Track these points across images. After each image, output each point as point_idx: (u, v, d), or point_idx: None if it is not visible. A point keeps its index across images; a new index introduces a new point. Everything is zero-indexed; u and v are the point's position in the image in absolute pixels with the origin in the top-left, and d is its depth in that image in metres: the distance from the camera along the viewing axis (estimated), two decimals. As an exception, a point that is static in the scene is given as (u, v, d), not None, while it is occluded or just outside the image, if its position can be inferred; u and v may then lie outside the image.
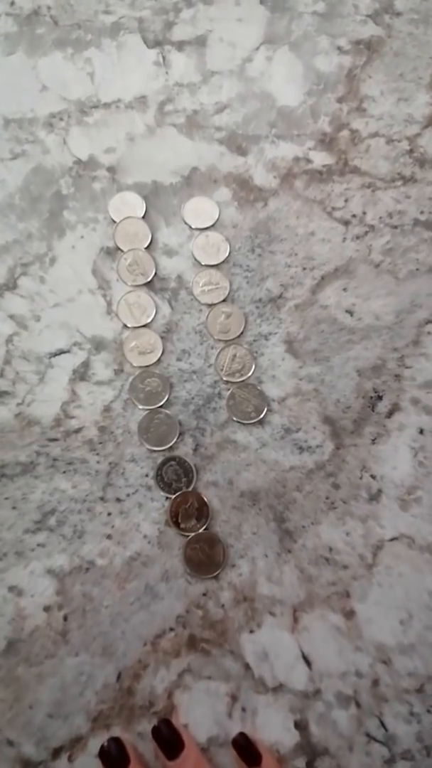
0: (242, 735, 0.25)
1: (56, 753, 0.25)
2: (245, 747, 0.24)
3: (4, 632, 0.26)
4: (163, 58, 0.35)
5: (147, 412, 0.29)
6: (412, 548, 0.27)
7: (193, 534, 0.28)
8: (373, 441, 0.29)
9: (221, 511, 0.28)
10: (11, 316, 0.30)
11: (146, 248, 0.31)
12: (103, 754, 0.24)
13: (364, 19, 0.35)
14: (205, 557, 0.27)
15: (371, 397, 0.29)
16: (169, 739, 0.24)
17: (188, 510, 0.28)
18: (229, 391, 0.30)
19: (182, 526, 0.28)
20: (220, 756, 0.25)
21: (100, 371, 0.30)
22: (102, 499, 0.28)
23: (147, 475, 0.28)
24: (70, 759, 0.25)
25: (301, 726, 0.25)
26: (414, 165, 0.33)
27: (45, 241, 0.31)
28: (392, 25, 0.35)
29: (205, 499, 0.28)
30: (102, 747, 0.24)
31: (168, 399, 0.29)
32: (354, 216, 0.32)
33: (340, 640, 0.26)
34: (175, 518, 0.28)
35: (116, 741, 0.25)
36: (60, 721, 0.25)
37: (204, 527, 0.28)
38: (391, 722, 0.25)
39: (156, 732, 0.25)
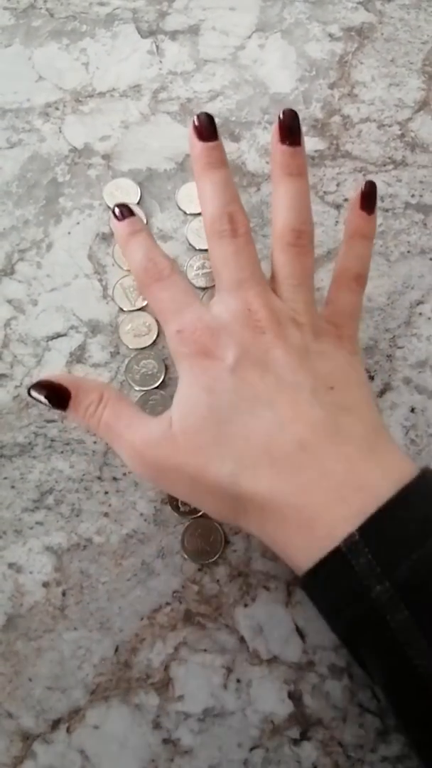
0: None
1: (55, 725, 0.26)
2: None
3: (3, 608, 0.27)
4: (157, 47, 0.35)
5: (143, 393, 0.30)
6: (404, 524, 0.28)
7: (192, 518, 0.28)
8: (366, 419, 0.29)
9: (216, 489, 0.29)
10: (9, 301, 0.31)
11: (141, 233, 0.32)
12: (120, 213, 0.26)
13: (355, 6, 0.36)
14: (205, 544, 0.28)
15: (363, 377, 0.30)
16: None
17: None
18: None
19: (182, 509, 0.28)
20: (216, 726, 0.25)
21: (96, 354, 0.30)
22: (99, 478, 0.29)
23: (143, 455, 0.29)
24: (68, 730, 0.25)
25: (294, 697, 0.26)
26: (405, 149, 0.33)
27: (41, 228, 0.32)
28: (384, 11, 0.36)
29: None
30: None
31: (163, 380, 0.30)
32: (346, 200, 0.32)
33: (333, 614, 0.27)
34: (175, 501, 0.28)
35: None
36: (58, 694, 0.26)
37: (202, 512, 0.28)
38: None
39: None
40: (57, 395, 0.24)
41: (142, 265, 0.25)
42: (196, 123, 0.25)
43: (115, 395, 0.25)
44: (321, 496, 0.21)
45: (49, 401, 0.24)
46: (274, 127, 0.25)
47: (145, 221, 0.32)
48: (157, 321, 0.31)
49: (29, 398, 0.25)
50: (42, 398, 0.24)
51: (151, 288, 0.25)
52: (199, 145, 0.25)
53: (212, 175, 0.25)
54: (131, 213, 0.26)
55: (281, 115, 0.25)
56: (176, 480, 0.23)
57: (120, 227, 0.26)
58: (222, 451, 0.22)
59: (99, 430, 0.24)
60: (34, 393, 0.24)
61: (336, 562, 0.20)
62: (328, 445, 0.22)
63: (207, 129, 0.25)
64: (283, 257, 0.25)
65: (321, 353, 0.24)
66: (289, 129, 0.25)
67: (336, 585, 0.21)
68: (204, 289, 0.31)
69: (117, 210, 0.26)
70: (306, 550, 0.21)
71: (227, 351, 0.23)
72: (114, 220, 0.26)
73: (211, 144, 0.25)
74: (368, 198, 0.26)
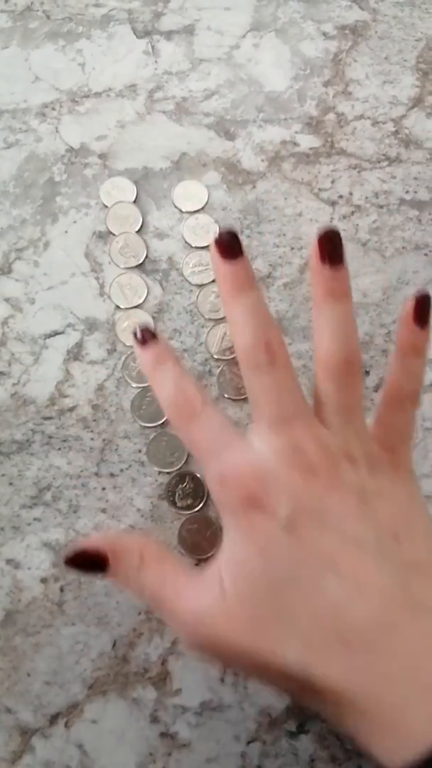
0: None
1: (53, 719, 0.26)
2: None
3: (2, 604, 0.27)
4: (153, 47, 0.35)
5: (139, 390, 0.30)
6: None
7: (188, 514, 0.28)
8: (361, 414, 0.29)
9: (213, 485, 0.29)
10: (6, 300, 0.31)
11: (137, 231, 0.32)
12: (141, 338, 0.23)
13: (349, 4, 0.36)
14: (201, 539, 0.28)
15: (359, 372, 0.30)
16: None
17: (185, 489, 0.29)
18: (220, 369, 0.30)
19: (179, 504, 0.29)
20: (213, 720, 0.26)
21: (93, 351, 0.30)
22: (96, 474, 0.29)
23: (140, 451, 0.29)
24: (66, 725, 0.26)
25: (291, 691, 0.26)
26: (399, 146, 0.33)
27: (39, 227, 0.32)
28: (377, 9, 0.36)
29: (200, 477, 0.29)
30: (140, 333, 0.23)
31: (160, 377, 0.30)
32: (341, 196, 0.33)
33: (329, 608, 0.27)
34: (172, 497, 0.29)
35: None
36: (57, 689, 0.26)
37: (200, 507, 0.28)
38: (380, 687, 0.26)
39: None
40: (92, 562, 0.21)
41: (172, 400, 0.22)
42: (218, 240, 0.23)
43: (156, 553, 0.22)
44: (403, 686, 0.18)
45: (85, 570, 0.22)
46: (314, 246, 0.23)
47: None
48: (153, 318, 0.31)
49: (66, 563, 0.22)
50: (77, 569, 0.22)
51: (184, 427, 0.22)
52: (223, 267, 0.23)
53: (242, 299, 0.22)
54: (154, 337, 0.23)
55: (322, 235, 0.22)
56: (234, 658, 0.21)
57: (144, 355, 0.23)
58: (286, 632, 0.19)
59: (143, 598, 0.22)
60: (68, 565, 0.22)
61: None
62: (404, 621, 0.19)
63: (231, 247, 0.23)
64: (332, 386, 0.22)
65: (379, 493, 0.21)
66: (331, 251, 0.22)
67: None
68: (200, 286, 0.31)
69: (139, 333, 0.24)
70: (392, 750, 0.18)
71: (278, 503, 0.20)
72: (136, 346, 0.24)
73: (236, 264, 0.23)
74: (422, 310, 0.23)
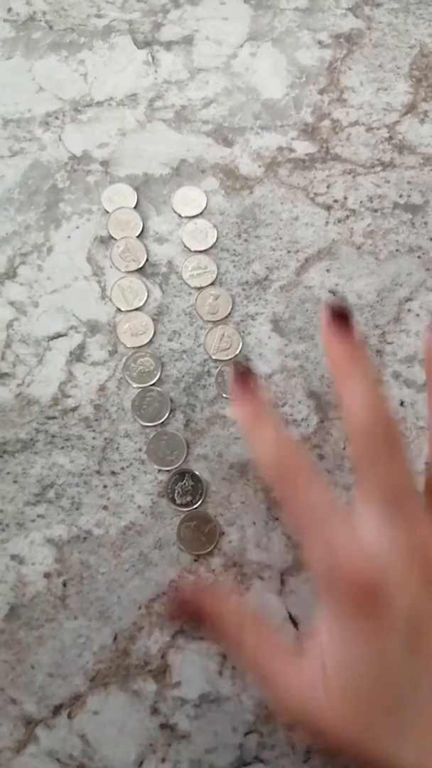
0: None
1: (56, 710, 0.26)
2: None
3: (6, 598, 0.28)
4: (153, 57, 0.36)
5: (140, 390, 0.31)
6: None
7: (187, 510, 0.29)
8: (356, 413, 0.30)
9: (211, 482, 0.29)
10: (11, 303, 0.32)
11: (138, 236, 0.33)
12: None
13: (344, 12, 0.37)
14: (200, 535, 0.29)
15: (354, 372, 0.30)
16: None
17: (184, 487, 0.29)
18: (218, 369, 0.31)
19: (178, 501, 0.29)
20: (212, 712, 0.26)
21: (95, 353, 0.31)
22: (98, 472, 0.29)
23: (140, 450, 0.30)
24: (69, 716, 0.26)
25: (288, 683, 0.26)
26: (393, 151, 0.34)
27: (42, 232, 0.33)
28: (372, 17, 0.37)
29: (199, 475, 0.29)
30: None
31: (160, 377, 0.31)
32: (336, 201, 0.33)
33: (325, 602, 0.27)
34: (172, 494, 0.29)
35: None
36: (60, 681, 0.27)
37: (199, 504, 0.29)
38: (375, 679, 0.26)
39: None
40: (193, 618, 0.22)
41: (275, 458, 0.20)
42: (333, 312, 0.21)
43: (257, 625, 0.21)
44: None
45: (185, 621, 0.22)
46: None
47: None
48: (153, 320, 0.32)
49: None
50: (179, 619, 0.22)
51: (288, 490, 0.20)
52: (338, 342, 0.21)
53: (359, 376, 0.21)
54: (255, 382, 0.21)
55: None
56: (343, 750, 0.19)
57: (243, 406, 0.21)
58: (402, 739, 0.18)
59: (244, 665, 0.22)
60: (171, 616, 0.22)
61: None
62: None
63: (345, 320, 0.21)
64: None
65: None
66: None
67: None
68: (199, 289, 0.32)
69: (237, 376, 0.21)
70: None
71: (397, 610, 0.18)
72: (235, 390, 0.21)
73: (351, 337, 0.21)
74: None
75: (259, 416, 0.21)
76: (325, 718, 0.19)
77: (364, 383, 0.20)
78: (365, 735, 0.18)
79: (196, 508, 0.29)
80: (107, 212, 0.33)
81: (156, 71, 0.36)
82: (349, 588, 0.19)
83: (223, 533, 0.29)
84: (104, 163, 0.34)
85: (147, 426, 0.30)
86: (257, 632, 0.21)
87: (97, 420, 0.30)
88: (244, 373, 0.21)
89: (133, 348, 0.31)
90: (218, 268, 0.32)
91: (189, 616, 0.21)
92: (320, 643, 0.19)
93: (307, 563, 0.21)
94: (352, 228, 0.33)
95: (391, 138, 0.34)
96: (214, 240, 0.33)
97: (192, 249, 0.33)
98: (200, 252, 0.33)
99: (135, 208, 0.34)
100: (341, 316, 0.21)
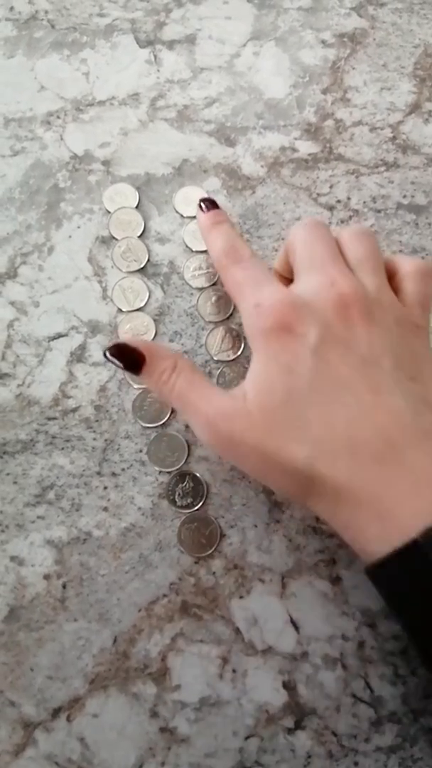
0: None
1: (55, 713, 0.26)
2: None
3: (6, 599, 0.28)
4: (155, 56, 0.36)
5: (141, 391, 0.30)
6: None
7: (188, 512, 0.29)
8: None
9: (212, 484, 0.29)
10: (12, 303, 0.32)
11: (139, 236, 0.33)
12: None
13: (348, 11, 0.37)
14: (201, 537, 0.28)
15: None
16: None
17: (185, 488, 0.29)
18: (219, 370, 0.31)
19: (178, 503, 0.29)
20: (212, 716, 0.26)
21: (96, 353, 0.31)
22: (98, 473, 0.29)
23: (141, 451, 0.30)
24: (68, 719, 0.26)
25: (289, 687, 0.26)
26: (397, 151, 0.34)
27: (43, 232, 0.33)
28: (376, 16, 0.36)
29: (200, 477, 0.29)
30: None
31: (161, 378, 0.31)
32: (339, 201, 0.33)
33: (326, 605, 0.27)
34: (172, 496, 0.29)
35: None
36: (59, 683, 0.27)
37: (199, 506, 0.29)
38: (376, 684, 0.26)
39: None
40: (131, 358, 0.25)
41: (223, 249, 0.26)
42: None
43: (188, 365, 0.25)
44: (401, 488, 0.21)
45: (123, 364, 0.25)
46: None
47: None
48: (154, 321, 0.31)
49: (105, 359, 0.25)
50: (116, 360, 0.25)
51: (229, 269, 0.26)
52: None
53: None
54: (215, 206, 0.29)
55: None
56: (247, 455, 0.23)
57: (204, 218, 0.28)
58: (300, 435, 0.22)
59: (172, 398, 0.24)
60: (109, 354, 0.25)
61: (412, 553, 0.20)
62: (410, 441, 0.21)
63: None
64: (353, 245, 0.25)
65: (402, 337, 0.23)
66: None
67: (410, 576, 0.20)
68: (200, 289, 0.32)
69: (202, 204, 0.29)
70: (380, 540, 0.21)
71: (309, 327, 0.22)
72: (199, 213, 0.29)
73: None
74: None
75: (217, 224, 0.28)
76: (236, 427, 0.22)
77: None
78: (270, 436, 0.22)
79: (196, 510, 0.29)
80: (109, 212, 0.33)
81: (158, 70, 0.36)
82: (271, 317, 0.23)
83: (224, 535, 0.28)
84: (106, 163, 0.34)
85: (148, 427, 0.30)
86: (191, 374, 0.24)
87: (97, 421, 0.30)
88: (207, 201, 0.29)
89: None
90: (220, 269, 0.32)
91: (128, 356, 0.25)
92: (244, 382, 0.23)
93: (242, 322, 0.25)
94: (355, 228, 0.33)
95: (394, 138, 0.34)
96: (216, 240, 0.32)
97: (194, 249, 0.32)
98: (202, 252, 0.32)
99: (137, 207, 0.33)
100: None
